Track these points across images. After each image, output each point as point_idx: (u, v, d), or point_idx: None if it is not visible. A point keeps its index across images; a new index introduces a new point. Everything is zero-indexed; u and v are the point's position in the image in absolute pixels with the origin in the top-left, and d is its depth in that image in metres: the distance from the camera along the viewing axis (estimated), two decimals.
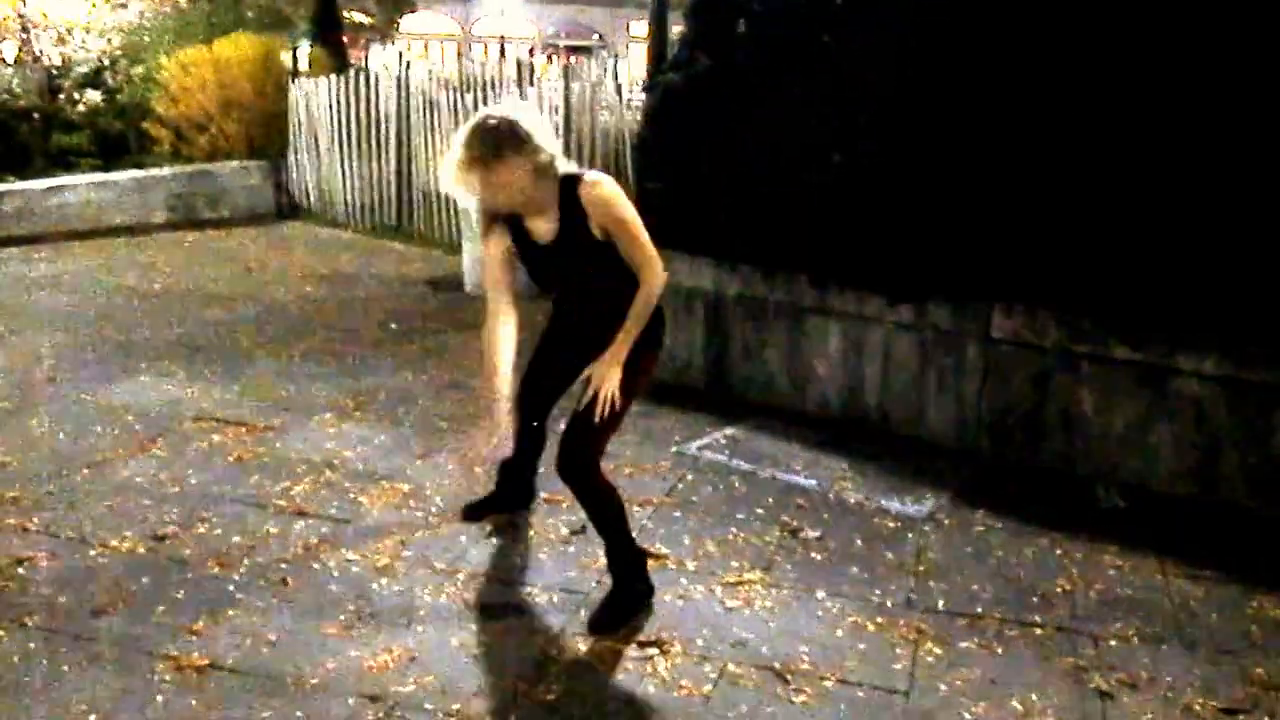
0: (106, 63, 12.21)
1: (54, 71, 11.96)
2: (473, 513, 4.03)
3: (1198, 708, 2.93)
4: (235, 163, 11.13)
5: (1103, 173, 4.19)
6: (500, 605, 3.43)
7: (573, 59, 10.51)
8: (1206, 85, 3.97)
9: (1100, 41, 4.19)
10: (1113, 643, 3.26)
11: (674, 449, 4.78)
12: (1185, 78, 4.00)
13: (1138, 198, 4.12)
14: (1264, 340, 3.97)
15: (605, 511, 3.35)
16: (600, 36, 39.69)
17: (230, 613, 3.34)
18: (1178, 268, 4.07)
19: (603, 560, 3.72)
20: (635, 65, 13.55)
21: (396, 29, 24.62)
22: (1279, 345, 3.96)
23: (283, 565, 3.65)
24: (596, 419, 3.20)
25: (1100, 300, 4.27)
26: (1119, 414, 4.35)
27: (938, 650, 3.20)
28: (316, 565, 3.66)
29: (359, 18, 20.73)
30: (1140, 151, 4.11)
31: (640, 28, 30.48)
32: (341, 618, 3.32)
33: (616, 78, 9.17)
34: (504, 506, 4.04)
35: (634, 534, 3.93)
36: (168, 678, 2.99)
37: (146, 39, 12.45)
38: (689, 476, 4.48)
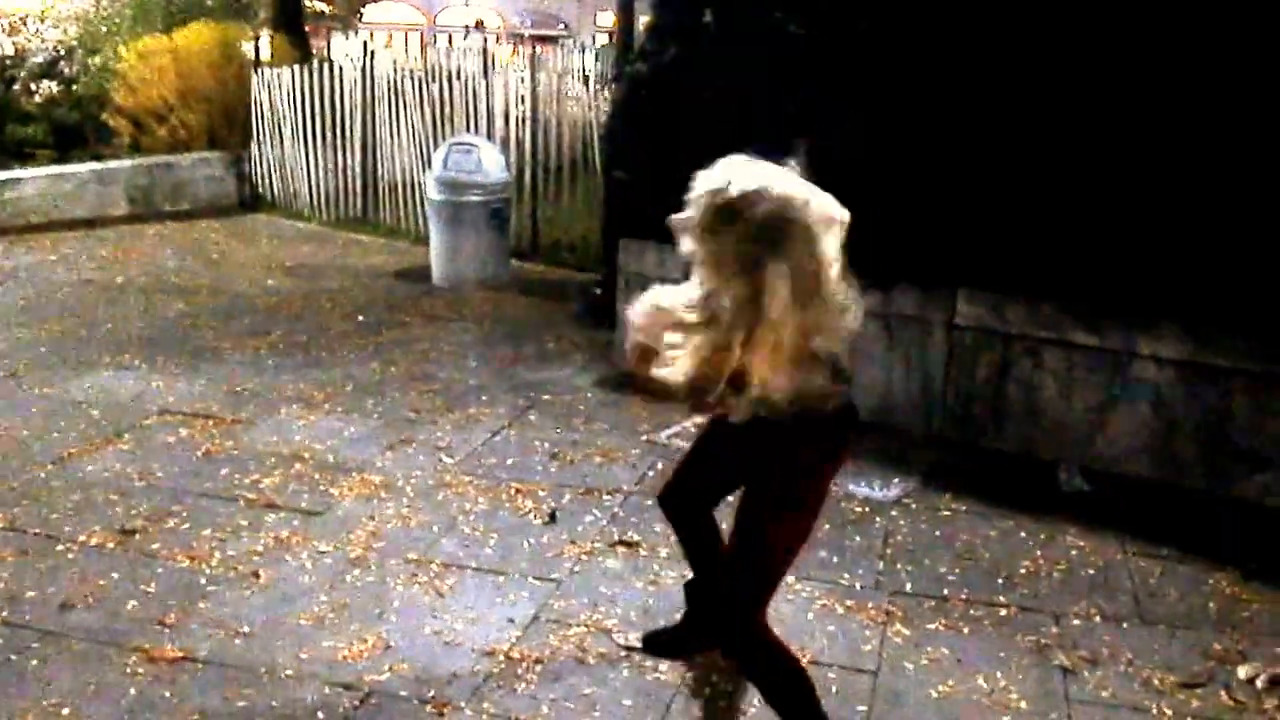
0: (62, 53, 12.03)
1: (8, 62, 11.77)
2: (659, 646, 3.11)
3: (1156, 682, 3.01)
4: (196, 154, 11.01)
5: (1063, 161, 4.26)
6: (474, 594, 3.44)
7: (538, 49, 10.48)
8: (1164, 74, 4.04)
9: (1055, 33, 4.25)
10: (1075, 621, 3.33)
11: (644, 438, 4.81)
12: (1143, 68, 4.07)
13: (1098, 186, 4.19)
14: (1223, 323, 4.05)
15: (778, 688, 2.52)
16: (566, 26, 39.55)
17: (202, 605, 3.33)
18: (1138, 254, 4.14)
19: (575, 547, 3.76)
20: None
21: (359, 18, 24.42)
22: (1237, 329, 4.04)
23: (254, 557, 3.65)
24: (745, 560, 2.47)
25: (1062, 286, 4.34)
26: (1080, 398, 4.43)
27: (906, 631, 3.26)
28: (288, 557, 3.66)
29: (320, 6, 20.54)
30: (1099, 141, 4.17)
31: (607, 18, 30.44)
32: (315, 608, 3.32)
33: (583, 68, 9.17)
34: (695, 638, 3.07)
35: (605, 524, 3.96)
36: (140, 670, 2.98)
37: (104, 29, 12.27)
38: (659, 465, 4.50)
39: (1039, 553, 3.78)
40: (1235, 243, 3.97)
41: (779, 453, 2.39)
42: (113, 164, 10.57)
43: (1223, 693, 2.97)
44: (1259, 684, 2.99)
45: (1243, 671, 3.05)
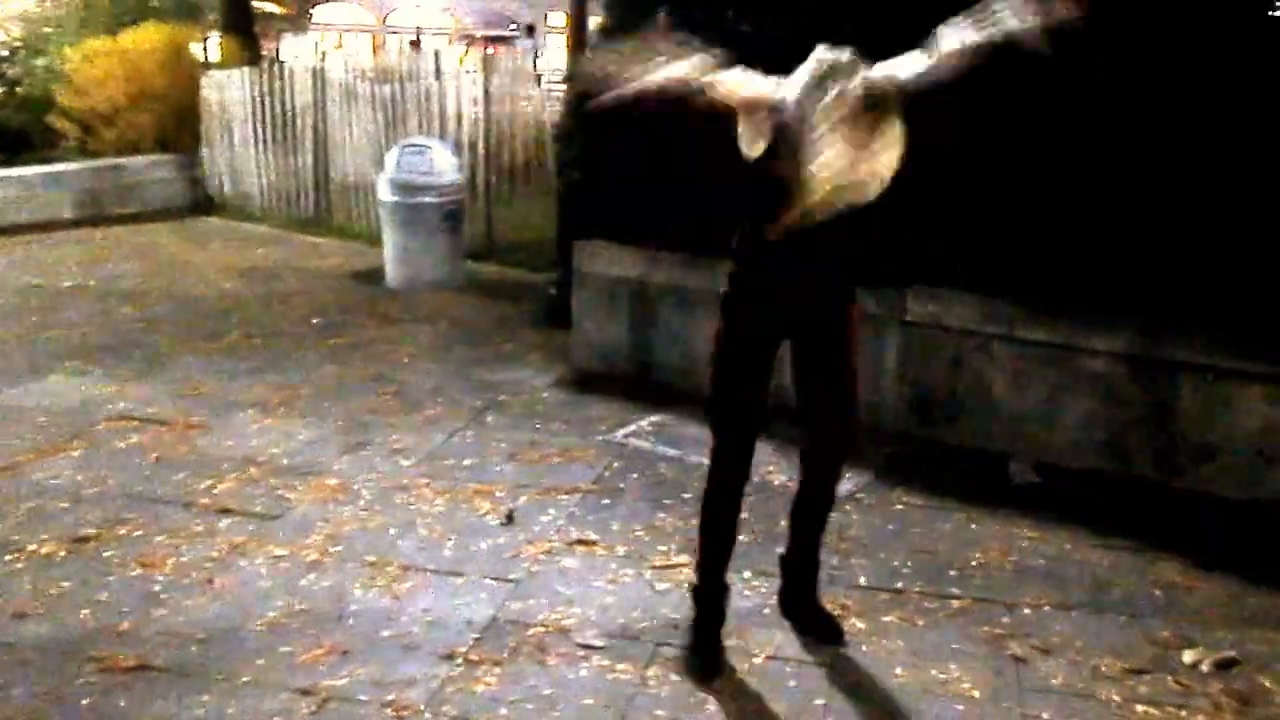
0: (5, 54, 11.82)
1: None
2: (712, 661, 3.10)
3: (1106, 669, 3.07)
4: (146, 157, 10.86)
5: (1012, 160, 4.32)
6: (432, 596, 3.44)
7: (490, 49, 10.47)
8: (1111, 80, 4.12)
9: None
10: (1026, 611, 3.39)
11: (600, 437, 4.82)
12: (1090, 75, 4.14)
13: (1044, 184, 4.26)
14: (1170, 318, 4.14)
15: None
16: (518, 26, 39.42)
17: (157, 613, 3.30)
18: (1085, 251, 4.22)
19: (534, 547, 3.77)
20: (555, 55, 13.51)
21: (309, 20, 24.20)
22: (1183, 323, 4.13)
23: (209, 564, 3.62)
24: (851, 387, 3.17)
25: (1012, 283, 4.41)
26: (1031, 392, 4.51)
27: (861, 624, 3.30)
28: (244, 562, 3.63)
29: (270, 8, 20.33)
30: (1046, 140, 4.25)
31: (558, 18, 30.39)
32: (271, 614, 3.30)
33: (536, 68, 9.16)
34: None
35: (563, 523, 3.99)
36: (94, 679, 2.95)
37: (48, 30, 12.07)
38: (616, 464, 4.52)
39: (992, 545, 3.84)
40: (1180, 239, 4.06)
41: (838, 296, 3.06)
42: (60, 167, 10.40)
43: (1169, 678, 3.03)
44: (1204, 669, 3.07)
45: (1188, 657, 3.13)
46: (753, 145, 2.88)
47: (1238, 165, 3.96)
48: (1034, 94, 4.25)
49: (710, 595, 3.15)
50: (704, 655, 3.08)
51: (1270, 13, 3.86)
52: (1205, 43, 3.98)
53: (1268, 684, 3.01)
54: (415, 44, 22.02)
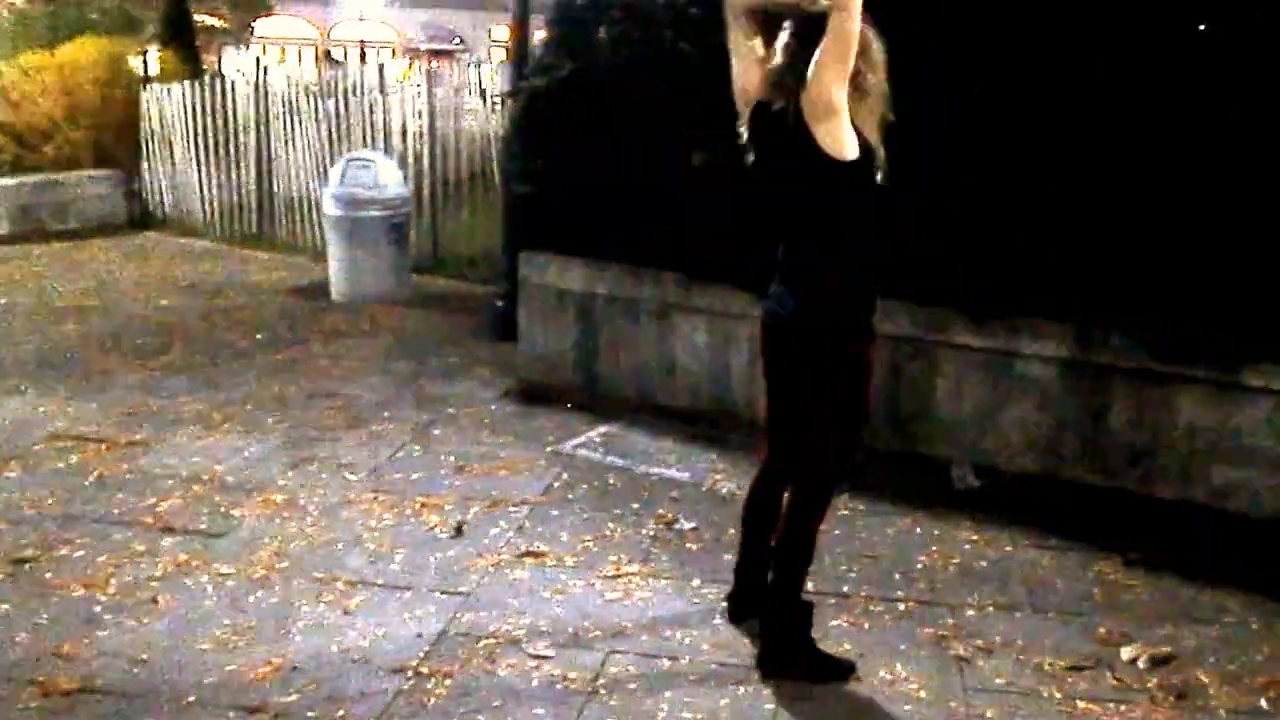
0: None
1: None
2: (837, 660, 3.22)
3: (1047, 667, 3.14)
4: (84, 172, 10.71)
5: (944, 169, 4.40)
6: (381, 610, 3.42)
7: (434, 63, 10.46)
8: (1043, 64, 4.20)
9: (933, 33, 4.40)
10: (970, 612, 3.45)
11: (549, 449, 4.83)
12: (1020, 58, 4.23)
13: (979, 192, 4.35)
14: (1102, 323, 4.24)
15: None
16: (462, 40, 39.36)
17: (99, 634, 3.25)
18: (1020, 257, 4.31)
19: (483, 559, 3.77)
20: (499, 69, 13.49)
21: (251, 33, 23.96)
22: (1115, 328, 4.23)
23: (153, 583, 3.57)
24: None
25: (948, 291, 4.49)
26: (970, 398, 4.59)
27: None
28: (189, 581, 3.59)
29: (211, 21, 20.10)
30: (979, 148, 4.33)
31: (502, 32, 30.36)
32: (218, 632, 3.27)
33: (480, 82, 9.18)
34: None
35: (512, 535, 3.99)
36: (34, 704, 2.90)
37: None
38: (565, 475, 4.53)
39: (935, 548, 3.90)
40: (1113, 247, 4.16)
41: None
42: None
43: (1109, 675, 3.11)
44: (1141, 664, 3.14)
45: (1126, 653, 3.20)
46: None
47: (1167, 176, 4.07)
48: (976, 104, 4.34)
49: (807, 609, 3.21)
50: (829, 658, 3.14)
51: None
52: (1139, 43, 4.09)
53: (1203, 678, 3.09)
54: (326, 55, 21.77)
